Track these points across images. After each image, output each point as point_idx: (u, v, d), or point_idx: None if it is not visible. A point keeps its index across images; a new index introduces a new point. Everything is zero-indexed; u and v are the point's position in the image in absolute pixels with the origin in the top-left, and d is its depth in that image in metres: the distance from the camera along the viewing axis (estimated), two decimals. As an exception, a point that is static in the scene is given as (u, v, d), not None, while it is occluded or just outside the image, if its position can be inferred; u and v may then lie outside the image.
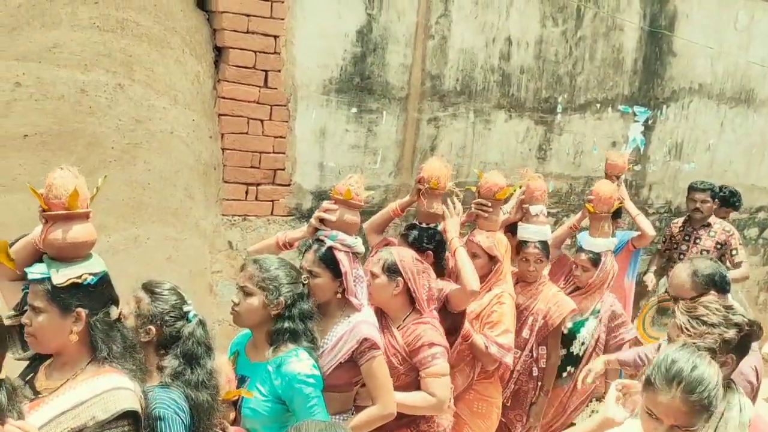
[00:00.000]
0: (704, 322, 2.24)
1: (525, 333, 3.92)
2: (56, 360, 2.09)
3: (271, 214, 4.30)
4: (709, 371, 1.95)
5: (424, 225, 3.53)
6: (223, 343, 2.86)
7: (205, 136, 4.00)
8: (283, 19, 4.10)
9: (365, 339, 2.75)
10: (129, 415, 1.98)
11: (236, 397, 2.49)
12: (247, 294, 2.54)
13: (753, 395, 2.78)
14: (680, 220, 5.71)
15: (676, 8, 5.86)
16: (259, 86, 4.10)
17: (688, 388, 1.92)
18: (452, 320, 3.39)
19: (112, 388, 1.99)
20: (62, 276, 2.00)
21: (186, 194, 3.97)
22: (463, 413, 3.62)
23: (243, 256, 4.10)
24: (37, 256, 2.07)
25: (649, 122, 5.99)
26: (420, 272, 3.08)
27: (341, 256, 2.81)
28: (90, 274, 2.04)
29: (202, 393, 2.20)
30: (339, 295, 2.82)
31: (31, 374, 2.11)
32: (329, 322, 2.79)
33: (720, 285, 2.97)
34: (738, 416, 2.29)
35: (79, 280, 2.01)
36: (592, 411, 4.22)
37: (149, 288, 2.29)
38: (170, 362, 2.20)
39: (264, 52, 4.07)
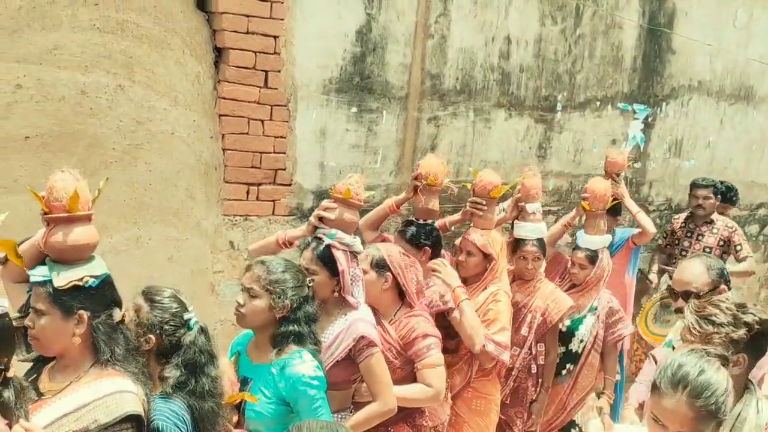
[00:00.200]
0: (712, 322, 2.19)
1: (524, 331, 3.95)
2: (59, 362, 2.09)
3: (272, 213, 4.31)
4: (717, 377, 1.89)
5: (421, 221, 3.55)
6: (224, 343, 2.87)
7: (206, 136, 4.01)
8: (282, 20, 4.11)
9: (362, 337, 2.77)
10: (132, 419, 1.99)
11: (239, 400, 2.49)
12: (253, 296, 2.52)
13: None
14: (682, 216, 5.71)
15: (675, 6, 5.87)
16: (260, 86, 4.10)
17: (693, 392, 1.86)
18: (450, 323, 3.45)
19: (115, 392, 2.00)
20: (63, 279, 2.00)
21: (187, 194, 3.98)
22: (461, 411, 3.64)
23: (244, 256, 4.11)
24: (41, 258, 2.08)
25: (649, 120, 5.99)
26: (408, 266, 3.13)
27: (339, 255, 2.83)
28: (92, 276, 2.04)
29: (207, 402, 2.18)
30: (336, 294, 2.83)
31: (35, 376, 2.12)
32: (326, 320, 2.81)
33: (727, 279, 2.99)
34: (755, 417, 2.23)
35: (81, 283, 2.02)
36: (591, 407, 4.24)
37: (149, 295, 2.26)
38: (172, 372, 2.17)
39: (264, 53, 4.08)
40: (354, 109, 4.48)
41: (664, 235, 5.79)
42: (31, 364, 2.19)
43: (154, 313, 2.21)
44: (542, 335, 3.99)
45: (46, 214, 2.04)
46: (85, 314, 2.02)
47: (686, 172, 6.26)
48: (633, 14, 5.63)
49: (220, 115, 4.04)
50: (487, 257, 3.68)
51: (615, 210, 4.82)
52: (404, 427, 3.07)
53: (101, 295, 2.07)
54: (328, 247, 2.84)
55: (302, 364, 2.47)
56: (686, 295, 2.93)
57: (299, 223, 4.21)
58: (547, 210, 4.99)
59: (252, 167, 4.17)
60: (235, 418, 2.48)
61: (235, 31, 3.96)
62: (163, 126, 3.82)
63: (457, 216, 3.94)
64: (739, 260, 5.41)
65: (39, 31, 3.39)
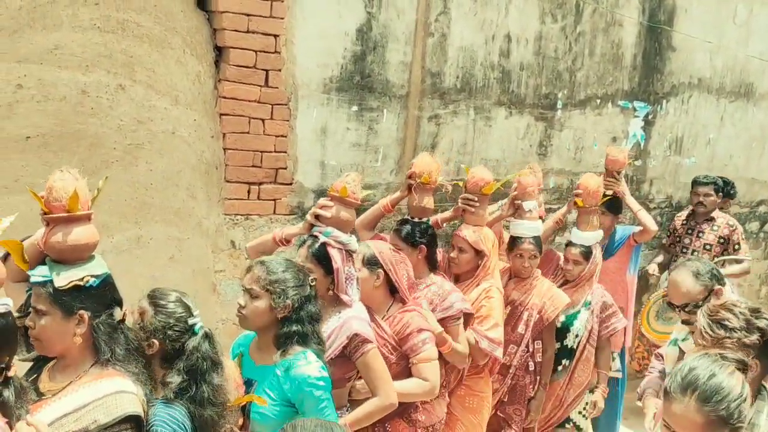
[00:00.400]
0: (724, 327, 2.17)
1: (520, 328, 3.96)
2: (60, 362, 2.09)
3: (274, 213, 4.31)
4: (730, 381, 1.83)
5: (416, 220, 3.56)
6: (225, 342, 2.86)
7: (207, 135, 4.01)
8: (283, 19, 4.11)
9: (356, 334, 2.78)
10: (131, 419, 1.99)
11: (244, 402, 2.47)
12: (254, 297, 2.50)
13: None
14: (684, 214, 5.72)
15: (674, 3, 5.86)
16: (260, 85, 4.10)
17: (702, 396, 1.81)
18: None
19: (114, 392, 2.00)
20: (64, 279, 2.00)
21: (188, 194, 3.98)
22: (455, 409, 3.66)
23: (246, 256, 4.11)
24: (41, 258, 2.08)
25: (649, 117, 5.99)
26: (398, 262, 3.17)
27: (334, 253, 2.84)
28: (92, 276, 2.04)
29: (207, 410, 2.16)
30: (330, 292, 2.84)
31: (35, 376, 2.12)
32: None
33: (720, 279, 2.99)
34: (766, 424, 2.20)
35: (81, 283, 2.02)
36: (587, 403, 4.26)
37: (154, 299, 2.24)
38: (173, 378, 2.16)
39: (264, 52, 4.08)
40: (354, 108, 4.48)
41: (668, 234, 5.79)
42: (31, 363, 2.18)
43: (159, 317, 2.19)
44: (539, 332, 4.00)
45: (45, 214, 2.04)
46: (85, 314, 2.02)
47: (687, 170, 6.26)
48: (633, 11, 5.63)
49: (221, 114, 4.04)
50: (479, 254, 3.69)
51: (616, 208, 4.82)
52: (400, 422, 3.10)
53: (102, 295, 2.07)
54: (324, 245, 2.85)
55: (307, 365, 2.45)
56: (685, 307, 2.94)
57: (300, 222, 4.22)
58: (548, 208, 4.98)
59: (253, 166, 4.18)
60: (240, 421, 2.47)
61: (236, 30, 3.96)
62: (164, 125, 3.82)
63: (449, 213, 3.95)
64: (736, 260, 5.42)
65: (40, 30, 3.39)
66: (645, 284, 6.01)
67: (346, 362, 2.81)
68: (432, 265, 3.60)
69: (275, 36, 4.10)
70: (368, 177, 4.61)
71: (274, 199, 4.30)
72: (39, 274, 2.02)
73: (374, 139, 4.61)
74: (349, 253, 2.91)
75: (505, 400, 4.01)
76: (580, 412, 4.29)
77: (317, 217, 2.95)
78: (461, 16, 4.80)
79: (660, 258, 5.72)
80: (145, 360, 2.21)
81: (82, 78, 3.53)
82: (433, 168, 3.58)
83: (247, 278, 2.54)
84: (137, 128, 3.73)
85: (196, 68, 3.91)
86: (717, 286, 2.93)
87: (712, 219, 5.46)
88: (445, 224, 4.06)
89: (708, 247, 5.40)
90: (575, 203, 4.27)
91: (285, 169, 4.30)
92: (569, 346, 4.16)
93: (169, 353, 2.20)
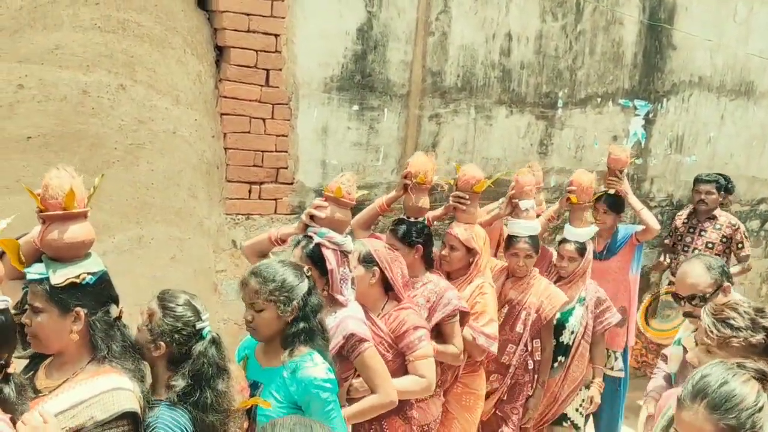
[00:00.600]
0: (730, 326, 2.12)
1: (518, 328, 3.96)
2: (56, 359, 2.09)
3: (275, 212, 4.31)
4: (743, 390, 1.73)
5: (412, 219, 3.57)
6: (227, 342, 2.85)
7: (208, 135, 4.01)
8: (283, 18, 4.10)
9: (352, 334, 2.78)
10: (128, 416, 1.99)
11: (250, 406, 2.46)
12: (259, 310, 2.45)
13: None
14: (685, 213, 5.71)
15: (675, 1, 5.86)
16: (261, 85, 4.10)
17: (711, 404, 1.73)
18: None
19: (111, 389, 2.00)
20: (60, 276, 2.00)
21: (189, 194, 3.98)
22: (452, 408, 3.67)
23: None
24: (37, 256, 2.07)
25: (650, 116, 5.99)
26: (393, 260, 3.17)
27: (328, 254, 2.83)
28: (88, 273, 2.04)
29: (210, 415, 2.14)
30: (325, 292, 2.82)
31: (31, 373, 2.12)
32: None
33: (729, 276, 2.98)
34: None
35: (78, 280, 2.02)
36: (582, 400, 4.26)
37: (163, 301, 2.21)
38: (178, 381, 2.14)
39: (265, 51, 4.08)
40: (355, 107, 4.48)
41: (669, 233, 5.79)
42: (27, 361, 2.18)
43: (166, 320, 2.17)
44: (537, 331, 4.00)
45: (41, 211, 2.04)
46: (82, 311, 2.02)
47: (687, 168, 6.26)
48: (633, 10, 5.63)
49: (222, 114, 4.04)
50: (470, 251, 3.69)
51: (618, 207, 4.82)
52: (396, 420, 3.10)
53: (98, 292, 2.07)
54: (318, 246, 2.84)
55: (314, 367, 2.44)
56: (691, 299, 2.93)
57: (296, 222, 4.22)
58: (549, 206, 4.98)
59: (254, 166, 4.17)
60: (245, 424, 2.45)
61: (236, 30, 3.96)
62: (164, 125, 3.82)
63: (440, 211, 3.94)
64: (739, 259, 5.42)
65: (40, 30, 3.39)
66: (646, 284, 6.01)
67: (343, 362, 2.81)
68: (428, 264, 3.62)
69: (276, 35, 4.09)
70: (369, 176, 4.61)
71: (275, 199, 4.30)
72: (35, 271, 2.02)
73: (375, 138, 4.61)
74: (343, 254, 2.90)
75: (504, 399, 4.01)
76: (576, 409, 4.30)
77: (312, 217, 2.93)
78: (462, 14, 4.80)
79: (667, 258, 5.71)
80: (151, 361, 2.21)
81: (83, 78, 3.53)
82: (428, 167, 3.59)
83: (247, 293, 2.47)
84: (138, 128, 3.73)
85: (196, 68, 3.91)
86: (726, 283, 2.92)
87: (714, 217, 5.45)
88: (435, 222, 4.05)
89: (710, 245, 5.39)
90: (568, 200, 4.27)
91: (286, 168, 4.29)
92: (565, 343, 4.17)
93: (175, 356, 2.18)
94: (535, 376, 4.04)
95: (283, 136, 4.23)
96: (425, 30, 4.67)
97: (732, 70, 6.40)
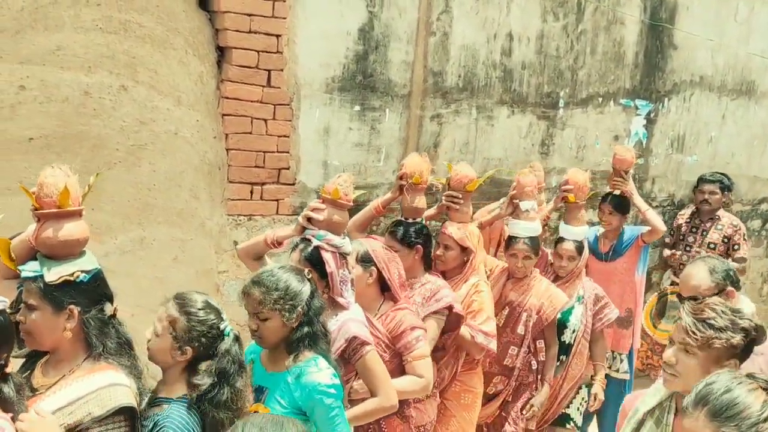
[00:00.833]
0: (711, 326, 2.09)
1: (520, 329, 3.96)
2: (52, 357, 2.10)
3: (276, 213, 4.30)
4: (746, 398, 1.67)
5: (409, 220, 3.56)
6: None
7: (210, 136, 4.00)
8: (285, 18, 4.10)
9: (354, 337, 2.78)
10: (125, 411, 2.00)
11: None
12: (263, 319, 2.44)
13: None
14: (687, 212, 5.70)
15: (676, 1, 5.86)
16: (262, 86, 4.10)
17: (712, 411, 1.68)
18: (446, 323, 3.47)
19: (108, 385, 2.01)
20: (54, 274, 2.01)
21: (191, 195, 3.97)
22: (450, 406, 3.67)
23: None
24: (32, 254, 2.09)
25: (651, 115, 5.99)
26: (391, 260, 3.17)
27: (327, 257, 2.81)
28: (82, 271, 2.05)
29: (222, 413, 2.15)
30: (325, 295, 2.80)
31: (28, 372, 2.12)
32: None
33: (734, 281, 2.96)
34: None
35: (72, 278, 2.03)
36: (582, 399, 4.26)
37: (183, 307, 2.21)
38: (203, 380, 2.16)
39: (266, 52, 4.08)
40: (357, 108, 4.48)
41: (671, 233, 5.78)
42: (24, 360, 2.19)
43: (192, 325, 2.19)
44: (539, 332, 4.00)
45: (36, 209, 2.05)
46: (75, 309, 2.03)
47: (689, 168, 6.26)
48: (634, 10, 5.63)
49: (224, 115, 4.03)
50: (464, 250, 3.69)
51: (624, 208, 4.80)
52: (395, 419, 3.11)
53: (92, 290, 2.08)
54: (317, 248, 2.82)
55: (318, 372, 2.43)
56: (694, 300, 2.93)
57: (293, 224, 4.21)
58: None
59: (255, 167, 4.17)
60: None
61: (238, 30, 3.96)
62: (166, 126, 3.81)
63: (432, 210, 3.94)
64: (734, 260, 5.41)
65: (42, 31, 3.39)
66: (648, 284, 6.00)
67: (344, 365, 2.80)
68: (427, 265, 3.61)
69: (277, 36, 4.09)
70: (371, 177, 4.61)
71: (277, 200, 4.30)
72: (30, 269, 2.04)
73: (376, 138, 4.60)
74: (342, 256, 2.89)
75: (509, 400, 4.01)
76: (577, 408, 4.30)
77: (309, 219, 2.91)
78: (463, 14, 4.80)
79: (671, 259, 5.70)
80: (166, 365, 2.22)
81: (85, 79, 3.52)
82: (423, 168, 3.59)
83: (249, 302, 2.45)
84: (140, 129, 3.72)
85: (198, 69, 3.90)
86: (729, 288, 2.92)
87: (717, 218, 5.43)
88: (429, 222, 4.04)
89: (712, 246, 5.38)
90: (565, 199, 4.25)
91: (288, 169, 4.29)
92: (567, 342, 4.17)
93: (199, 357, 2.21)
94: (539, 377, 4.03)
95: (284, 136, 4.23)
96: (426, 30, 4.67)
97: (733, 70, 6.40)
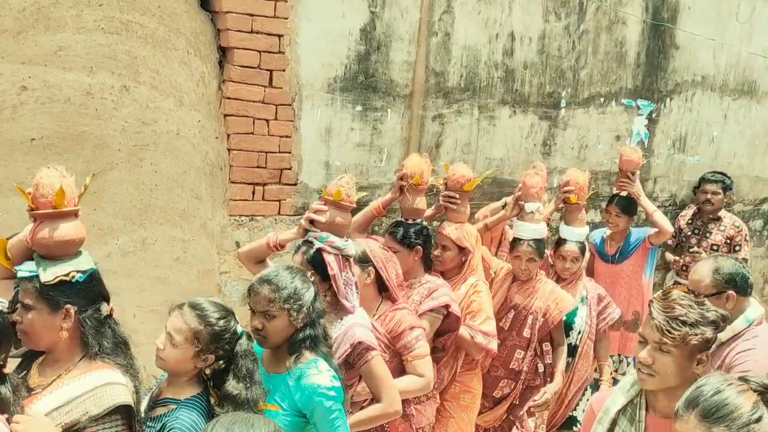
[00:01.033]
0: (684, 323, 2.06)
1: (525, 333, 3.92)
2: (49, 356, 2.11)
3: (278, 213, 4.30)
4: (736, 400, 1.68)
5: (410, 221, 3.56)
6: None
7: (211, 136, 4.00)
8: (286, 19, 4.10)
9: (359, 342, 2.75)
10: (122, 410, 2.00)
11: None
12: (271, 317, 2.44)
13: None
14: (689, 213, 5.67)
15: (678, 1, 5.85)
16: (264, 86, 4.10)
17: (702, 412, 1.68)
18: (444, 324, 3.46)
19: (104, 383, 2.01)
20: (50, 274, 2.01)
21: (193, 195, 3.97)
22: (449, 407, 3.65)
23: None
24: (29, 254, 2.09)
25: (653, 115, 5.98)
26: (388, 260, 3.16)
27: (330, 259, 2.78)
28: (78, 271, 2.05)
29: (245, 410, 2.19)
30: (328, 298, 2.79)
31: (24, 372, 2.13)
32: None
33: (741, 286, 2.92)
34: None
35: (67, 278, 2.03)
36: (588, 400, 4.24)
37: (204, 318, 2.21)
38: (236, 387, 2.20)
39: (268, 52, 4.07)
40: (359, 108, 4.47)
41: (673, 234, 5.77)
42: (20, 360, 2.19)
43: (216, 334, 2.21)
44: (545, 335, 3.97)
45: (32, 210, 2.06)
46: (72, 309, 2.03)
47: (690, 168, 6.25)
48: (636, 10, 5.62)
49: (225, 115, 4.03)
50: (462, 250, 3.68)
51: (631, 209, 4.77)
52: (397, 419, 3.08)
53: (88, 290, 2.08)
54: (319, 251, 2.79)
55: (318, 374, 2.43)
56: (697, 296, 2.92)
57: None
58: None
59: (257, 167, 4.17)
60: None
61: (240, 31, 3.96)
62: (168, 126, 3.81)
63: (430, 211, 3.92)
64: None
65: (43, 32, 3.39)
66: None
67: (349, 369, 2.79)
68: (427, 266, 3.60)
69: (279, 36, 4.09)
70: (372, 177, 4.61)
71: (279, 200, 4.29)
72: (26, 269, 2.04)
73: (378, 138, 4.60)
74: (345, 258, 2.86)
75: (517, 403, 3.98)
76: (584, 410, 4.28)
77: (312, 221, 2.88)
78: (465, 15, 4.79)
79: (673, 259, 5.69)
80: (178, 373, 2.24)
81: (87, 79, 3.52)
82: (424, 169, 3.57)
83: (258, 300, 2.45)
84: (141, 129, 3.72)
85: (200, 69, 3.90)
86: (730, 292, 2.89)
87: (719, 219, 5.40)
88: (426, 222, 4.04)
89: (715, 247, 5.34)
90: (566, 200, 4.21)
91: (289, 169, 4.29)
92: (572, 344, 4.15)
93: (218, 359, 2.24)
94: (548, 380, 3.99)
95: (286, 137, 4.23)
96: (428, 30, 4.67)
97: (735, 70, 6.39)
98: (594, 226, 5.35)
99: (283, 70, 4.14)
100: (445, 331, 3.49)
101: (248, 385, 2.23)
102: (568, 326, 4.12)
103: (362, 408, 2.90)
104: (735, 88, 6.44)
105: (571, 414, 4.23)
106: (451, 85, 4.85)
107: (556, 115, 5.41)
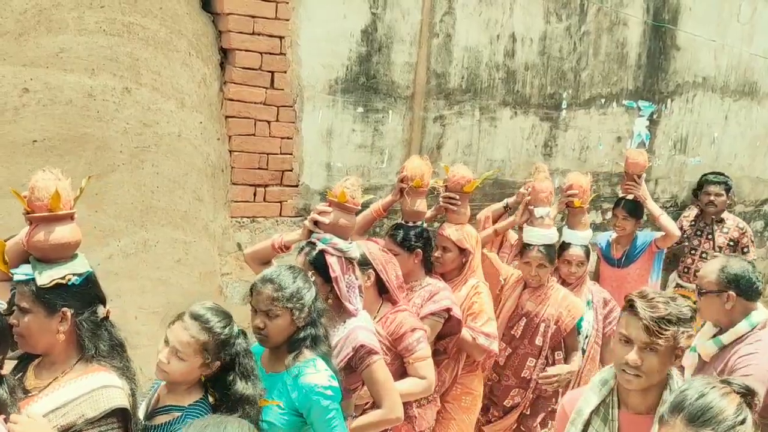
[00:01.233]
0: (670, 321, 2.05)
1: (537, 341, 3.84)
2: (45, 359, 2.10)
3: (280, 215, 4.30)
4: (720, 403, 1.70)
5: (410, 223, 3.55)
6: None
7: (213, 138, 4.00)
8: (288, 20, 4.10)
9: (361, 345, 2.73)
10: (118, 413, 2.00)
11: None
12: (273, 316, 2.44)
13: None
14: (691, 214, 5.63)
15: (678, 2, 5.86)
16: (266, 87, 4.10)
17: (688, 416, 1.69)
18: (446, 327, 3.45)
19: (101, 386, 2.01)
20: (46, 277, 2.01)
21: (194, 197, 3.97)
22: (450, 408, 3.62)
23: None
24: (26, 257, 2.09)
25: (654, 117, 5.98)
26: (388, 261, 3.14)
27: (332, 261, 2.77)
28: (74, 274, 2.05)
29: (251, 408, 2.22)
30: (330, 300, 2.78)
31: (20, 374, 2.12)
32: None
33: (743, 289, 2.92)
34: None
35: (63, 281, 2.03)
36: None
37: (210, 330, 2.21)
38: (244, 386, 2.22)
39: (270, 53, 4.07)
40: (360, 109, 4.47)
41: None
42: (16, 362, 2.19)
43: (223, 341, 2.22)
44: (558, 343, 3.88)
45: (28, 213, 2.05)
46: (68, 311, 2.03)
47: (692, 169, 6.26)
48: (637, 11, 5.62)
49: (227, 117, 4.03)
50: (463, 252, 3.66)
51: (637, 213, 4.75)
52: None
53: (85, 293, 2.08)
54: (322, 252, 2.78)
55: (316, 374, 2.43)
56: (700, 290, 2.94)
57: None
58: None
59: (259, 168, 4.17)
60: None
61: (241, 32, 3.95)
62: (169, 128, 3.81)
63: (430, 212, 3.89)
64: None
65: (45, 34, 3.39)
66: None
67: (351, 373, 2.76)
68: (427, 269, 3.58)
69: (280, 38, 4.09)
70: (374, 178, 4.61)
71: (280, 202, 4.29)
72: (22, 272, 2.04)
73: (380, 140, 4.60)
74: (349, 261, 2.84)
75: (527, 413, 3.92)
76: None
77: (316, 223, 2.87)
78: (466, 16, 4.80)
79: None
80: (182, 381, 2.24)
81: (88, 81, 3.52)
82: (424, 171, 3.54)
83: (260, 300, 2.45)
84: (143, 131, 3.72)
85: (201, 71, 3.90)
86: (731, 292, 2.89)
87: (722, 220, 5.37)
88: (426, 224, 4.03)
89: (719, 249, 5.29)
90: (569, 204, 4.15)
91: (291, 171, 4.29)
92: (582, 349, 4.12)
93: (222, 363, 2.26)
94: (561, 390, 3.92)
95: (287, 138, 4.23)
96: (429, 32, 4.67)
97: (736, 71, 6.40)
98: (595, 227, 5.35)
99: (285, 72, 4.14)
100: (447, 335, 3.47)
101: (254, 381, 2.25)
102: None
103: (364, 411, 2.88)
104: (736, 89, 6.44)
105: None
106: (453, 87, 4.85)
107: (557, 116, 5.41)
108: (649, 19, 5.71)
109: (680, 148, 6.22)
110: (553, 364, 3.86)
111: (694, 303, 3.69)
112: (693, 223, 5.53)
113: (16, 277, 2.04)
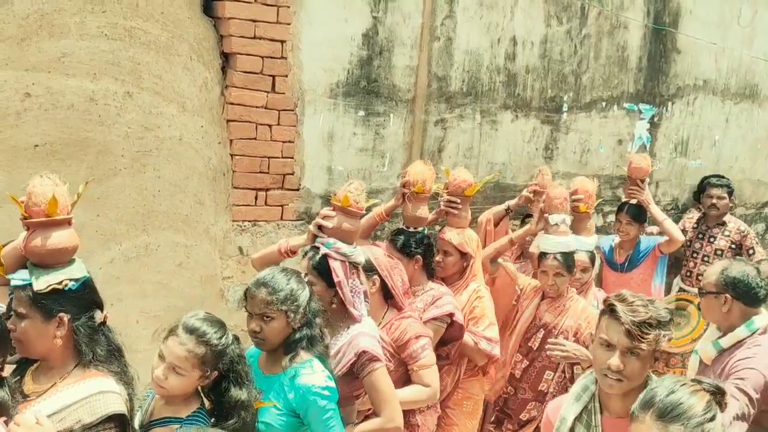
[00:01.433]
0: (650, 325, 2.06)
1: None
2: (43, 364, 2.10)
3: (281, 218, 4.30)
4: (690, 400, 1.74)
5: (411, 229, 3.54)
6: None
7: (214, 142, 4.00)
8: (289, 24, 4.10)
9: (363, 351, 2.72)
10: (115, 419, 2.00)
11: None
12: (269, 319, 2.44)
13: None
14: (694, 217, 5.62)
15: (679, 5, 5.86)
16: (267, 91, 4.10)
17: (659, 412, 1.73)
18: (448, 332, 3.44)
19: (98, 392, 2.01)
20: (43, 282, 2.01)
21: (196, 201, 3.97)
22: (452, 414, 3.61)
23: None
24: (23, 262, 2.09)
25: (655, 119, 5.98)
26: (393, 267, 3.14)
27: (335, 265, 2.76)
28: (71, 279, 2.05)
29: (247, 413, 2.21)
30: (334, 305, 2.78)
31: (18, 378, 2.12)
32: (330, 332, 2.74)
33: (741, 294, 2.91)
34: None
35: (60, 286, 2.03)
36: None
37: (207, 343, 2.19)
38: (238, 393, 2.21)
39: (271, 57, 4.08)
40: (361, 113, 4.48)
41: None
42: (14, 366, 2.19)
43: (219, 352, 2.21)
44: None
45: (25, 218, 2.06)
46: (65, 317, 2.03)
47: (692, 172, 6.25)
48: (638, 14, 5.63)
49: (228, 121, 4.03)
50: (464, 256, 3.65)
51: (641, 217, 4.74)
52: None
53: (82, 298, 2.08)
54: (325, 257, 2.78)
55: (312, 374, 2.43)
56: (701, 290, 2.94)
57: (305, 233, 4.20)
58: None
59: (260, 172, 4.17)
60: None
61: (242, 36, 3.96)
62: (171, 132, 3.81)
63: (431, 216, 3.85)
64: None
65: (47, 39, 3.39)
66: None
67: (354, 379, 2.76)
68: (429, 274, 3.57)
69: (282, 42, 4.09)
70: (375, 182, 4.61)
71: (282, 205, 4.29)
72: (19, 277, 2.04)
73: (381, 143, 4.60)
74: (353, 265, 2.84)
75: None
76: None
77: (320, 227, 2.87)
78: (467, 19, 4.80)
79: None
80: (183, 393, 2.23)
81: (90, 86, 3.53)
82: (426, 176, 3.53)
83: (255, 303, 2.45)
84: (145, 135, 3.73)
85: (203, 75, 3.91)
86: (727, 295, 2.90)
87: (723, 224, 5.35)
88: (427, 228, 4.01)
89: (719, 252, 5.27)
90: (575, 209, 4.06)
91: (292, 174, 4.29)
92: None
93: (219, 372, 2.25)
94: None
95: (289, 142, 4.23)
96: (430, 35, 4.67)
97: (736, 74, 6.40)
98: (595, 230, 5.34)
99: (286, 76, 4.14)
100: (449, 340, 3.46)
101: (248, 386, 2.25)
102: None
103: (366, 417, 2.86)
104: (737, 91, 6.44)
105: None
106: (454, 90, 4.85)
107: (558, 119, 5.41)
108: (649, 23, 5.71)
109: (681, 150, 6.22)
110: (572, 377, 3.68)
111: (697, 306, 3.74)
112: (695, 226, 5.50)
113: (13, 282, 2.04)
